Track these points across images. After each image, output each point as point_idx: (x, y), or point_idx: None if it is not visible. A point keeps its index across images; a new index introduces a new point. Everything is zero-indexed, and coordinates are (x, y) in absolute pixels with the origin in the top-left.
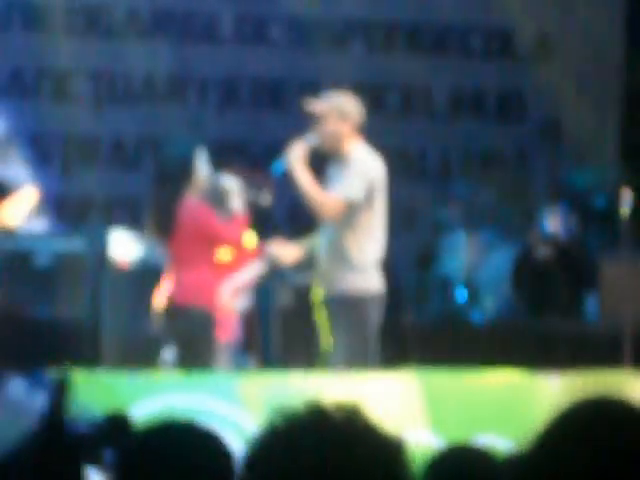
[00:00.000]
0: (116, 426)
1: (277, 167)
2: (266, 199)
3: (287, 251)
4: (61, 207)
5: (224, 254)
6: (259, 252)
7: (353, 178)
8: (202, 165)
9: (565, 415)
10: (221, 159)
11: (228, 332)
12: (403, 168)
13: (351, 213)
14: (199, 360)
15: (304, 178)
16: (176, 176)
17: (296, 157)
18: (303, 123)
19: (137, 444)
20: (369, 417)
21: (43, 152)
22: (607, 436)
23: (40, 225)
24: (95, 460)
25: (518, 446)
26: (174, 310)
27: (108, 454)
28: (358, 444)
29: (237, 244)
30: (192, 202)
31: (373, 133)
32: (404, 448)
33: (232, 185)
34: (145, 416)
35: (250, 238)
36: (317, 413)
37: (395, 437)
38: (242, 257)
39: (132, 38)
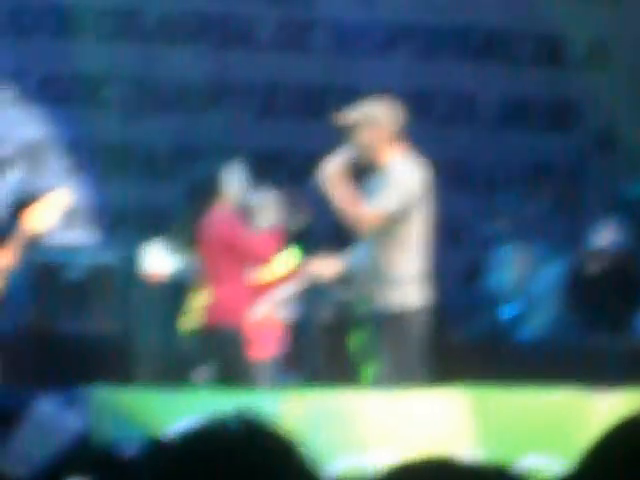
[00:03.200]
0: (161, 449)
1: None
2: (300, 221)
3: (327, 265)
4: (93, 218)
5: (258, 269)
6: (295, 267)
7: (390, 189)
8: (234, 178)
9: (614, 432)
10: (259, 170)
11: (266, 349)
12: (449, 179)
13: (389, 226)
14: (234, 379)
15: (339, 192)
16: (201, 193)
17: (331, 171)
18: (345, 132)
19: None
20: (263, 425)
21: (74, 161)
22: None
23: (71, 237)
24: None
25: (568, 466)
26: (207, 328)
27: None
28: (249, 449)
29: (268, 259)
30: (221, 214)
31: (417, 142)
32: (295, 450)
33: (267, 200)
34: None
35: (285, 254)
36: (214, 423)
37: (286, 439)
38: (276, 273)
39: (167, 43)
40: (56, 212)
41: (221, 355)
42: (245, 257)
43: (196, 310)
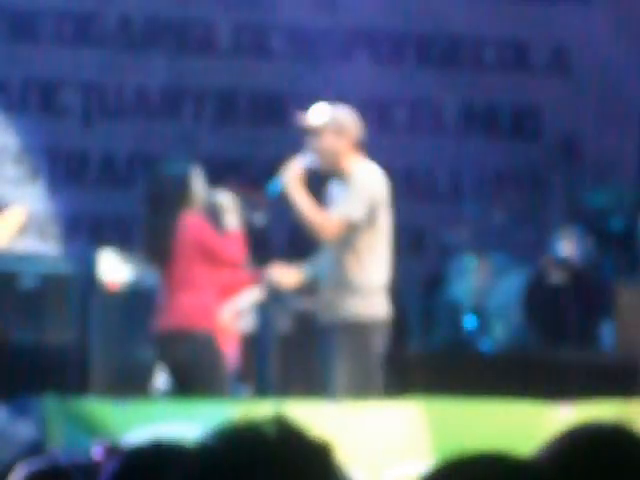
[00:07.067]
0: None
1: (272, 188)
2: (261, 218)
3: (287, 275)
4: (48, 226)
5: (224, 274)
6: (257, 274)
7: (353, 197)
8: (198, 182)
9: (559, 442)
10: (217, 177)
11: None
12: (411, 187)
13: (352, 234)
14: (206, 388)
15: (300, 198)
16: (173, 197)
17: (292, 176)
18: (305, 140)
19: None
20: (298, 429)
21: (29, 168)
22: (598, 463)
23: (25, 245)
24: None
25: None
26: (174, 335)
27: None
28: (286, 454)
29: (236, 262)
30: (192, 220)
31: (379, 150)
32: (332, 454)
33: (227, 201)
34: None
35: (247, 257)
36: (248, 429)
37: (322, 443)
38: (241, 277)
39: (125, 49)
40: (11, 229)
41: (193, 363)
42: (217, 261)
43: (159, 317)
